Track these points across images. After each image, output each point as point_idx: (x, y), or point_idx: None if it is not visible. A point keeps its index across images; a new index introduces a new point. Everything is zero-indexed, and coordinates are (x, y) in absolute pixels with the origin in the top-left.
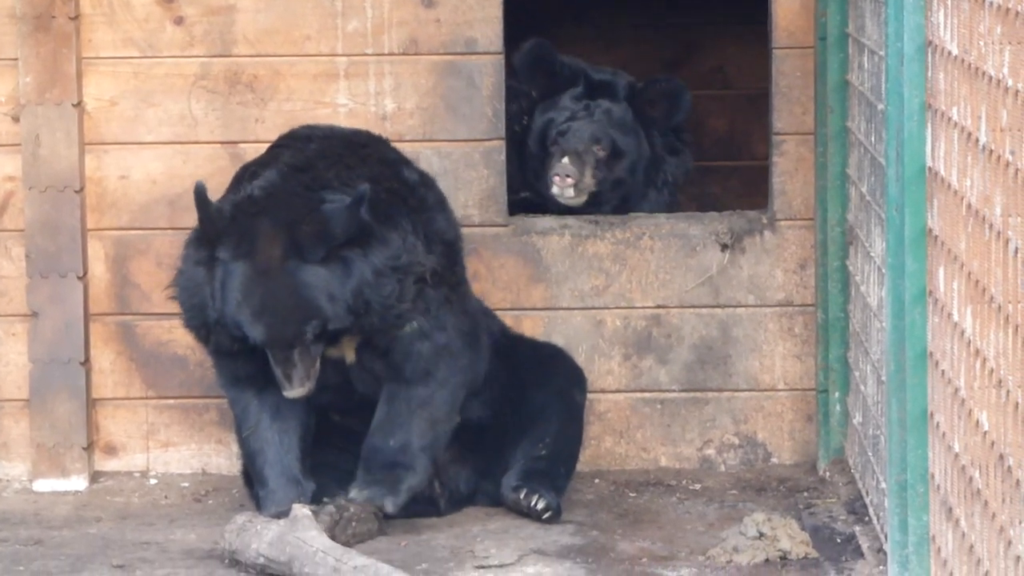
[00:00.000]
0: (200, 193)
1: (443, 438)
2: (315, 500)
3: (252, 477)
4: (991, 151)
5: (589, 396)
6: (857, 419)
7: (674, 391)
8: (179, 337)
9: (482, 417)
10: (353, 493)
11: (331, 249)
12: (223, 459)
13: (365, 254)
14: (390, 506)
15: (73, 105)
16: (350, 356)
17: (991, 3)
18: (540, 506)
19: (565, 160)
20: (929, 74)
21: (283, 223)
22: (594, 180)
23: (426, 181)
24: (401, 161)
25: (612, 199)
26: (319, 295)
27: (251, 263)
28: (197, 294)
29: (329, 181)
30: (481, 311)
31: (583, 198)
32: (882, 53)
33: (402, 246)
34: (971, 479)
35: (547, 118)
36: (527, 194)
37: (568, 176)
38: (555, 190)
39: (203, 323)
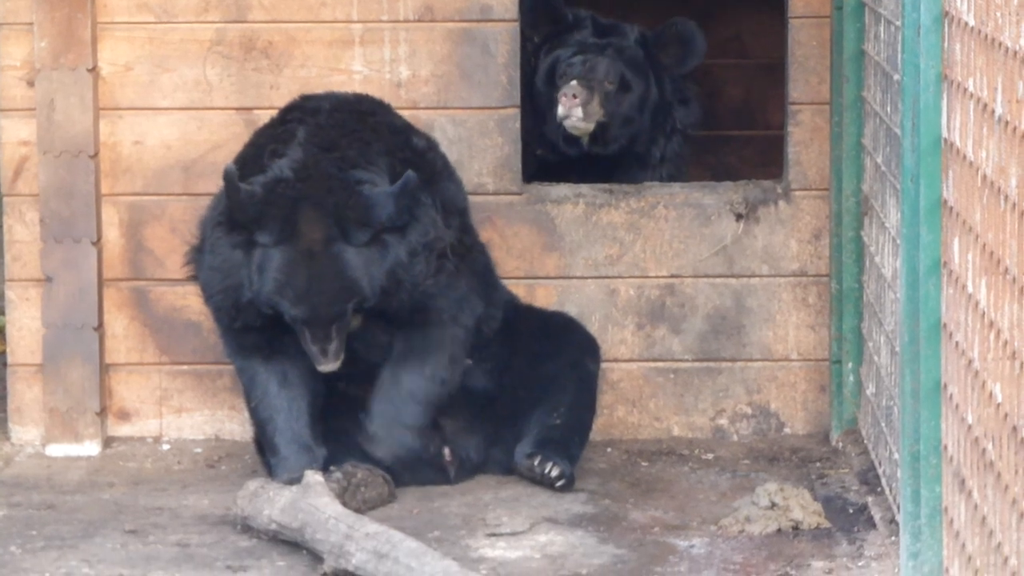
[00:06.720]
0: (231, 178)
1: (456, 381)
2: (327, 467)
3: (263, 445)
4: (1007, 122)
5: (602, 365)
6: (870, 390)
7: (687, 361)
8: (193, 303)
9: (489, 386)
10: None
11: (375, 234)
12: (236, 425)
13: (403, 235)
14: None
15: (88, 70)
16: (355, 322)
17: None
18: (554, 474)
19: (574, 82)
20: (945, 45)
21: (326, 208)
22: (603, 109)
23: (432, 145)
24: (407, 128)
25: (620, 137)
26: (361, 276)
27: (294, 247)
28: (232, 275)
29: (355, 159)
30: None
31: (591, 124)
32: (899, 23)
33: (430, 223)
34: (984, 451)
35: (555, 55)
36: (540, 151)
37: (575, 96)
38: (561, 111)
39: (234, 303)
